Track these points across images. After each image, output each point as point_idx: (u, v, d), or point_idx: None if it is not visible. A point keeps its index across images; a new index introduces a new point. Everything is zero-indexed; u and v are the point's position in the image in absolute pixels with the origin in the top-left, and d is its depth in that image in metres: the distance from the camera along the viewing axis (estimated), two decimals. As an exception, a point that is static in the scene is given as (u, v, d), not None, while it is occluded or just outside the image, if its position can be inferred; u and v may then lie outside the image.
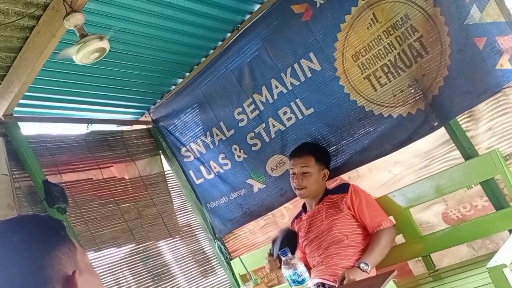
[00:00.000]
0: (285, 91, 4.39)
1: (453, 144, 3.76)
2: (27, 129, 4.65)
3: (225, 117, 4.86)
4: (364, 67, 3.94)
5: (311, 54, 4.14)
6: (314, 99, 4.20)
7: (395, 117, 3.84)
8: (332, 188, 3.93)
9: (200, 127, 5.13)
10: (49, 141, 4.75)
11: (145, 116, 5.62)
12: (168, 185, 5.75)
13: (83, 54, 3.34)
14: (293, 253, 3.48)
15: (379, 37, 3.95)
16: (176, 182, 5.82)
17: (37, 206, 4.30)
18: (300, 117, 4.38)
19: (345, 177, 4.41)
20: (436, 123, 3.65)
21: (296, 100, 4.35)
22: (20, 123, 4.43)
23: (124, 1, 3.69)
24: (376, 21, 3.93)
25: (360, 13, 3.84)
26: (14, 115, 4.39)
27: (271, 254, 3.56)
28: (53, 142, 4.78)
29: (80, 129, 5.03)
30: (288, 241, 3.53)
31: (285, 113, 4.47)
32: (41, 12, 3.43)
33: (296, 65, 4.26)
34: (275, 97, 4.47)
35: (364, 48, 4.04)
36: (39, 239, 1.21)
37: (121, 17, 3.83)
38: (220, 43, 4.83)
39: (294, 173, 3.88)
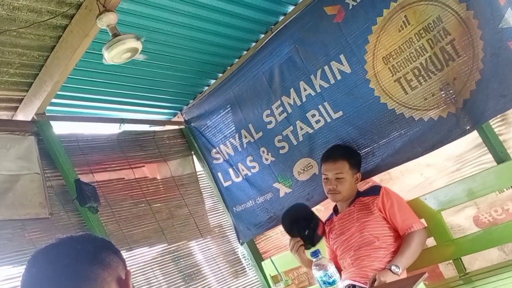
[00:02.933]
0: (313, 93, 4.34)
1: (486, 148, 3.70)
2: (59, 128, 4.58)
3: (254, 119, 4.82)
4: (395, 70, 3.86)
5: (342, 56, 4.09)
6: (343, 102, 4.15)
7: (426, 120, 3.77)
8: (363, 190, 3.91)
9: (230, 129, 5.09)
10: (82, 140, 4.77)
11: (178, 117, 5.62)
12: (200, 185, 5.77)
13: (115, 53, 3.30)
14: (316, 227, 3.70)
15: (411, 40, 3.86)
16: (208, 183, 5.83)
17: (69, 205, 4.33)
18: (329, 120, 4.32)
19: (377, 179, 4.37)
20: (468, 127, 3.58)
21: (325, 103, 4.30)
22: (52, 122, 4.43)
23: (157, 1, 3.68)
24: (408, 23, 3.86)
25: (392, 15, 3.79)
26: (47, 114, 4.40)
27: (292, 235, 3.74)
28: (85, 141, 4.80)
29: (113, 129, 5.06)
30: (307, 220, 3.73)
31: (313, 115, 4.42)
32: (74, 11, 3.45)
33: (326, 67, 4.21)
34: (304, 99, 4.43)
35: (395, 51, 3.90)
36: (95, 249, 1.33)
37: (154, 17, 3.83)
38: (253, 44, 4.81)
39: (327, 178, 3.83)
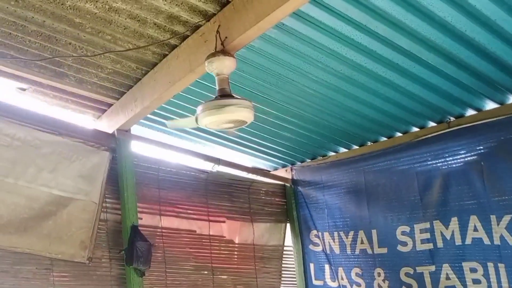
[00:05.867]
0: (487, 241, 3.41)
1: None
2: (139, 147, 4.16)
3: (382, 227, 4.09)
4: None
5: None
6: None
7: None
8: None
9: (345, 220, 4.44)
10: (163, 170, 4.23)
11: (286, 170, 5.06)
12: (282, 265, 4.84)
13: (213, 121, 2.52)
14: None
15: None
16: (293, 266, 4.87)
17: (114, 251, 3.79)
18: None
19: None
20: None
21: (499, 264, 3.33)
22: (134, 141, 4.05)
23: (301, 48, 3.10)
24: None
25: None
26: (131, 132, 4.03)
27: None
28: (167, 172, 4.25)
29: (203, 166, 4.55)
30: None
31: (473, 270, 3.50)
32: (187, 33, 2.97)
33: (520, 216, 3.24)
34: (467, 241, 3.54)
35: None
36: None
37: (290, 66, 3.33)
38: (415, 129, 4.10)
39: None
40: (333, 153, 4.70)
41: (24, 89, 3.65)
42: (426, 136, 3.85)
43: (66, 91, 3.70)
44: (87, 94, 3.71)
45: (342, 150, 4.63)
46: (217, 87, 2.57)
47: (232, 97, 2.49)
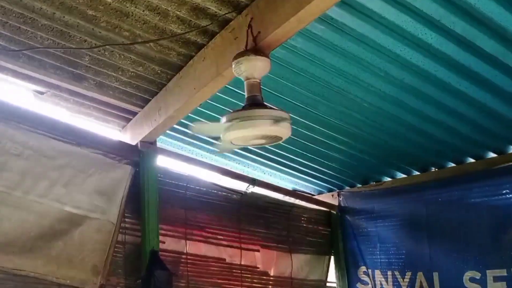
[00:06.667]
0: None
1: None
2: (167, 162, 3.88)
3: (445, 269, 3.81)
4: None
5: None
6: None
7: None
8: None
9: (400, 258, 4.03)
10: (192, 188, 3.88)
11: (333, 195, 4.76)
12: None
13: (239, 136, 2.13)
14: None
15: None
16: None
17: (131, 279, 3.46)
18: None
19: None
20: None
21: None
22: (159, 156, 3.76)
23: (361, 54, 2.77)
24: None
25: None
26: (158, 145, 3.76)
27: None
28: (196, 191, 3.90)
29: (237, 186, 4.22)
30: None
31: None
32: (215, 29, 2.68)
33: None
34: None
35: None
36: None
37: (343, 73, 3.00)
38: (493, 155, 3.76)
39: None
40: (388, 179, 4.42)
41: (42, 93, 3.43)
42: (506, 165, 3.49)
43: (87, 97, 3.50)
44: (109, 100, 3.53)
45: (400, 175, 4.35)
46: (246, 94, 2.20)
47: (264, 106, 2.05)
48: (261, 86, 2.23)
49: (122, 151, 3.61)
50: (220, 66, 2.60)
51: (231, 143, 2.21)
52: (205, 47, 2.81)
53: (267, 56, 2.17)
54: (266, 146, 3.86)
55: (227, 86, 2.90)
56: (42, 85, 3.35)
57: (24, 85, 3.38)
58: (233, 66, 2.21)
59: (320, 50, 2.78)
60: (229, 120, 2.03)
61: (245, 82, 2.20)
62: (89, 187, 3.36)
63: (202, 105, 3.22)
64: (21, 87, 3.44)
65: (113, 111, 3.68)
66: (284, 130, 2.07)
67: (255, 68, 2.16)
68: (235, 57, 2.19)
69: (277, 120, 1.98)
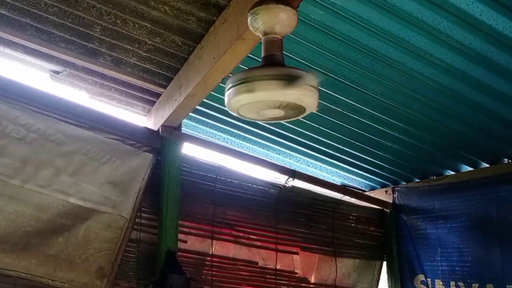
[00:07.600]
0: None
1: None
2: (194, 150, 3.59)
3: None
4: None
5: None
6: None
7: None
8: None
9: (466, 265, 3.73)
10: (222, 181, 3.56)
11: (386, 192, 4.46)
12: None
13: (245, 102, 1.68)
14: None
15: None
16: None
17: (145, 283, 3.18)
18: None
19: None
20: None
21: None
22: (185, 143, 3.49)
23: (422, 16, 2.40)
24: None
25: None
26: (183, 130, 3.48)
27: None
28: (227, 184, 3.61)
29: (274, 179, 4.01)
30: None
31: None
32: None
33: None
34: None
35: None
36: None
37: (400, 41, 2.62)
38: None
39: None
40: (452, 172, 4.06)
41: (58, 72, 3.20)
42: None
43: (107, 77, 3.25)
44: (130, 80, 3.26)
45: (466, 168, 3.97)
46: (262, 54, 1.74)
47: (282, 66, 1.60)
48: (292, 56, 1.78)
49: (143, 137, 3.33)
50: (241, 27, 2.22)
51: (239, 113, 1.73)
52: (226, 7, 2.46)
53: (293, 7, 1.70)
54: (312, 134, 3.64)
55: (254, 57, 2.52)
56: (56, 62, 3.12)
57: (39, 64, 3.15)
58: (249, 19, 1.79)
59: (369, 10, 2.39)
60: (233, 84, 1.59)
61: (262, 39, 1.77)
62: (100, 176, 3.09)
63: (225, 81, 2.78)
64: (36, 66, 3.18)
65: (135, 93, 3.43)
66: (305, 97, 1.60)
67: (276, 20, 1.73)
68: (252, 7, 1.76)
69: (291, 80, 1.49)
